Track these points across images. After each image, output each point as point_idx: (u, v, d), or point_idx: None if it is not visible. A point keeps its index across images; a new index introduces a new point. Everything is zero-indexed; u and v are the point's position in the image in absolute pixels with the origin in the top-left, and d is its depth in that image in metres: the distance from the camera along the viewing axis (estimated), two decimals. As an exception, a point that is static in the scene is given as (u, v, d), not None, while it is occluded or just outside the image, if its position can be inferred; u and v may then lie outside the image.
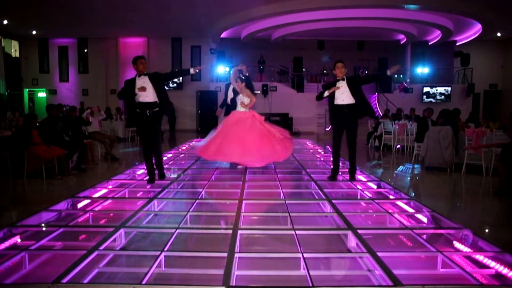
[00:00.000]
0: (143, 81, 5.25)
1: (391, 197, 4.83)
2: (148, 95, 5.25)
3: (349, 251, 3.24)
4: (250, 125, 5.62)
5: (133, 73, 5.43)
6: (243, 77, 5.92)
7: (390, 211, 4.12)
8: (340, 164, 5.96)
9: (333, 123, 5.60)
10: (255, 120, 5.70)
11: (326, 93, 5.44)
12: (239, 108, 5.85)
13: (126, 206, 4.45)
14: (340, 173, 6.28)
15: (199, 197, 4.55)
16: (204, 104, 17.69)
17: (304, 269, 2.70)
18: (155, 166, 5.56)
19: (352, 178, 5.63)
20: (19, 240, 3.31)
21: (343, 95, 5.33)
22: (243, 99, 5.83)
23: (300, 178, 5.95)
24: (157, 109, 5.33)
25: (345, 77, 5.37)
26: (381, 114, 14.72)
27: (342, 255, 3.23)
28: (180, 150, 9.37)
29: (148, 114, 5.26)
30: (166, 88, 20.23)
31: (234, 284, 2.51)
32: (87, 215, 3.97)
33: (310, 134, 16.52)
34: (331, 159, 5.87)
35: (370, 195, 4.79)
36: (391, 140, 10.80)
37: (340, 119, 5.41)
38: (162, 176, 5.59)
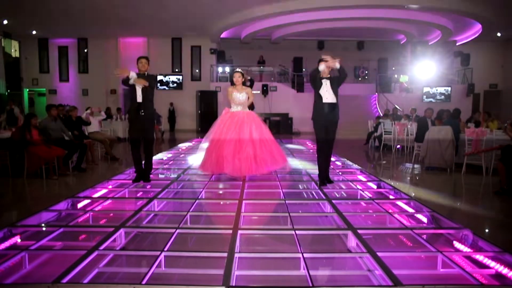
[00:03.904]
0: None
1: (391, 197, 4.83)
2: (140, 95, 5.34)
3: (349, 251, 3.24)
4: (244, 128, 5.29)
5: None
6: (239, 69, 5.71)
7: (390, 211, 4.12)
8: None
9: (316, 123, 5.27)
10: (252, 123, 5.38)
11: (322, 66, 5.09)
12: (234, 108, 5.57)
13: (126, 206, 4.44)
14: (340, 173, 6.28)
15: (199, 197, 4.55)
16: (204, 104, 17.71)
17: (304, 269, 2.70)
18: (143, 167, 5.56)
19: (328, 179, 5.38)
20: (19, 240, 3.31)
21: (327, 93, 5.14)
22: (238, 96, 5.52)
23: (300, 178, 5.94)
24: (144, 110, 5.34)
25: (329, 76, 5.19)
26: (382, 114, 14.74)
27: (342, 255, 3.23)
28: (180, 150, 9.36)
29: (142, 114, 5.33)
30: (166, 88, 20.24)
31: (234, 284, 2.51)
32: (87, 215, 3.97)
33: (310, 134, 16.51)
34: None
35: (370, 195, 4.79)
36: (391, 140, 10.80)
37: (323, 118, 5.19)
38: (147, 179, 5.49)
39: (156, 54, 19.06)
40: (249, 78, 7.19)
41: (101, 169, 7.96)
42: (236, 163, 5.14)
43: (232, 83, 5.65)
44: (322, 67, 5.10)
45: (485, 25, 15.24)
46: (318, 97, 5.19)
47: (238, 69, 5.71)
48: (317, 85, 5.19)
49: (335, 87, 5.19)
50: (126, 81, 5.29)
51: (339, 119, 5.28)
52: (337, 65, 5.05)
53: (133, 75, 5.17)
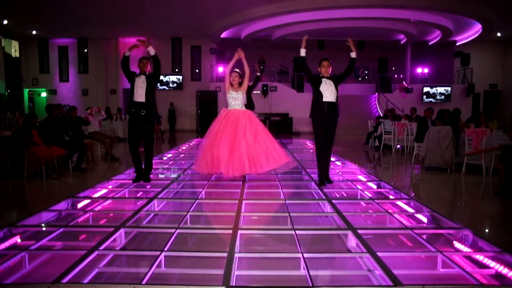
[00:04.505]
0: (141, 80, 5.35)
1: (391, 197, 4.83)
2: (141, 94, 5.33)
3: (349, 251, 3.24)
4: (239, 127, 5.26)
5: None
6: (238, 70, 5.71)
7: (390, 211, 4.12)
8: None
9: (316, 122, 5.23)
10: (247, 122, 5.34)
11: (302, 51, 5.27)
12: (233, 106, 5.55)
13: (126, 206, 4.45)
14: (340, 173, 6.29)
15: (199, 197, 4.55)
16: (204, 104, 17.72)
17: (304, 269, 2.70)
18: (143, 167, 5.55)
19: (328, 179, 5.37)
20: (19, 240, 3.31)
21: (327, 92, 5.11)
22: (235, 95, 5.52)
23: (300, 178, 5.94)
24: (147, 109, 5.35)
25: (330, 75, 5.21)
26: (382, 114, 14.75)
27: (342, 255, 3.23)
28: (180, 150, 9.36)
29: (142, 114, 5.32)
30: (166, 88, 20.24)
31: (234, 284, 2.51)
32: (87, 215, 3.97)
33: (310, 134, 16.51)
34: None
35: (370, 195, 4.79)
36: (391, 140, 10.80)
37: (323, 117, 5.16)
38: (147, 179, 5.48)
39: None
40: (258, 74, 7.80)
41: (101, 169, 7.96)
42: (230, 163, 5.14)
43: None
44: (303, 52, 5.28)
45: (485, 25, 15.25)
46: (318, 95, 5.17)
47: (236, 69, 5.73)
48: (314, 82, 5.20)
49: (336, 86, 5.19)
50: (124, 60, 5.40)
51: (338, 116, 5.27)
52: (354, 55, 5.27)
53: (151, 49, 5.40)
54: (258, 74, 8.11)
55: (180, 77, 19.46)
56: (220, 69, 18.23)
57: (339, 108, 5.28)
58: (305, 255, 2.82)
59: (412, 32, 16.72)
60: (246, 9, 14.52)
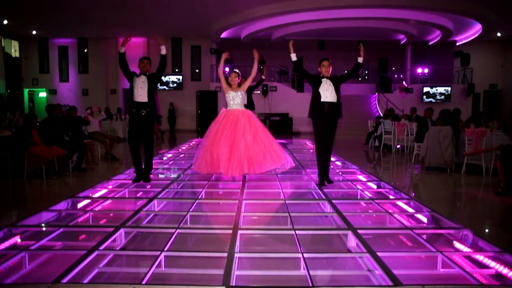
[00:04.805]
0: (142, 80, 5.34)
1: (391, 197, 4.83)
2: (142, 94, 5.33)
3: (349, 251, 3.24)
4: (238, 127, 5.28)
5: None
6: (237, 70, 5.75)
7: (390, 211, 4.12)
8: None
9: (316, 122, 5.22)
10: (246, 122, 5.36)
11: (293, 56, 5.37)
12: (232, 106, 5.56)
13: (126, 206, 4.45)
14: (340, 173, 6.28)
15: (199, 197, 4.55)
16: (204, 104, 17.72)
17: (304, 269, 2.70)
18: (143, 167, 5.54)
19: (328, 179, 5.37)
20: (19, 240, 3.31)
21: (327, 92, 5.10)
22: (234, 94, 5.54)
23: (300, 178, 5.94)
24: (149, 109, 5.35)
25: (330, 75, 5.22)
26: (382, 114, 14.75)
27: (342, 255, 3.23)
28: (180, 150, 9.36)
29: (142, 114, 5.32)
30: (166, 88, 20.22)
31: (234, 284, 2.51)
32: (87, 215, 3.97)
33: (310, 134, 16.49)
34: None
35: (370, 195, 4.79)
36: (391, 140, 10.80)
37: (324, 117, 5.15)
38: (147, 179, 5.46)
39: (156, 54, 18.83)
40: (263, 77, 8.40)
41: (101, 169, 7.96)
42: (230, 163, 5.15)
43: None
44: (293, 56, 5.40)
45: (485, 25, 15.25)
46: (316, 95, 5.16)
47: (235, 70, 5.76)
48: (314, 82, 5.19)
49: (336, 86, 5.18)
50: (121, 57, 5.41)
51: (341, 117, 5.26)
52: (361, 60, 5.27)
53: (163, 48, 5.53)
54: (263, 77, 8.47)
55: (180, 77, 19.46)
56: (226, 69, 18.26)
57: (341, 109, 5.27)
58: (305, 255, 2.82)
59: (412, 32, 16.71)
60: (246, 9, 14.52)
